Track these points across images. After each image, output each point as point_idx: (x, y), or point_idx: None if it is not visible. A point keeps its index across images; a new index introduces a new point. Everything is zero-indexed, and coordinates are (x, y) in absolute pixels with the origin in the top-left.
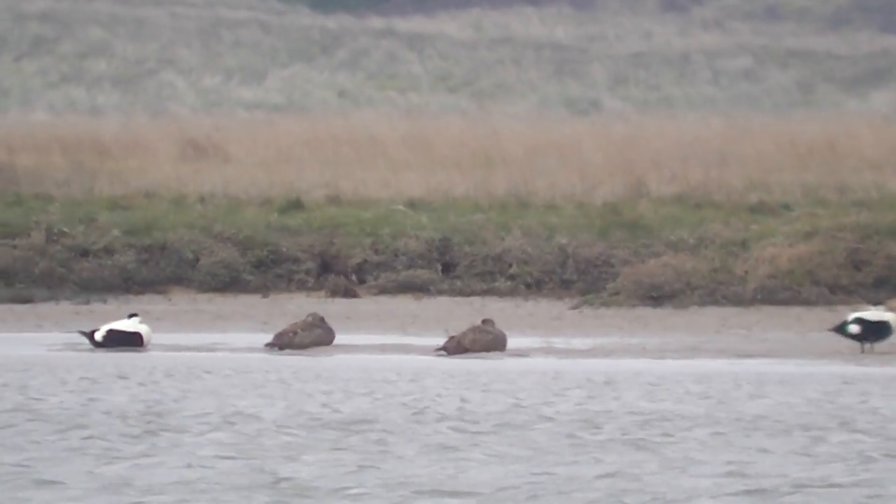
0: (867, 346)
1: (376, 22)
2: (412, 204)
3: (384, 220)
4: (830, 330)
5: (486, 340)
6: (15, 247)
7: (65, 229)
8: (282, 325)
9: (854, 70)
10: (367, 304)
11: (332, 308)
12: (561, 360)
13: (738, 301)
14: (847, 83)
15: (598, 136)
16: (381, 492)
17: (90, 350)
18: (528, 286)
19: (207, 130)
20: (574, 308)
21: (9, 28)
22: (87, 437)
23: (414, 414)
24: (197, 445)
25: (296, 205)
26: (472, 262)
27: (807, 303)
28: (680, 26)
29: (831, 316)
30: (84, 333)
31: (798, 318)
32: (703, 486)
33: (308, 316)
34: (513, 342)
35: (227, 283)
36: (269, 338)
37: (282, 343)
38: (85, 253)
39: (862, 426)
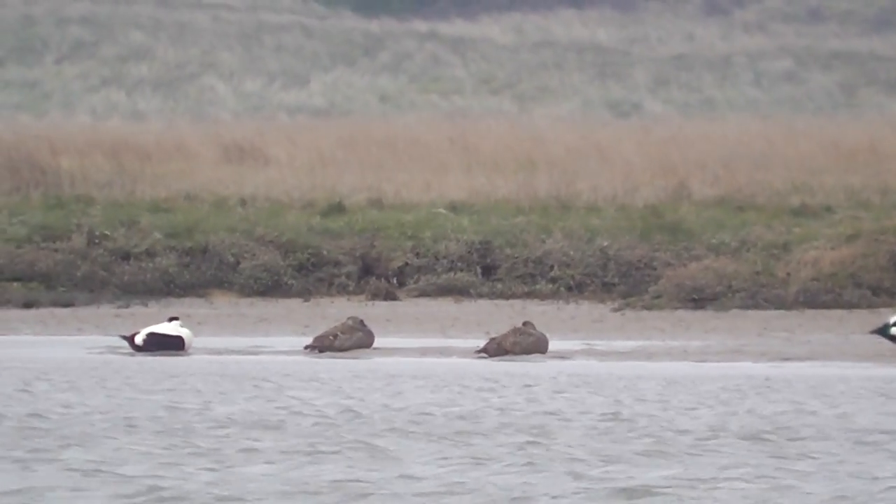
0: None
1: (419, 25)
2: (454, 207)
3: (425, 224)
4: (872, 332)
5: (527, 343)
6: (56, 250)
7: (106, 232)
8: (323, 329)
9: None
10: (407, 306)
11: (372, 311)
12: (605, 363)
13: (780, 304)
14: (890, 85)
15: (639, 139)
16: None
17: (130, 354)
18: (569, 289)
19: (249, 134)
20: (616, 311)
21: (50, 32)
22: None
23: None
24: None
25: (337, 208)
26: (514, 265)
27: (849, 305)
28: (722, 29)
29: (874, 318)
30: (124, 337)
31: (840, 320)
32: None
33: (348, 319)
34: (554, 345)
35: (269, 286)
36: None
37: (322, 346)
38: (126, 256)
39: None
